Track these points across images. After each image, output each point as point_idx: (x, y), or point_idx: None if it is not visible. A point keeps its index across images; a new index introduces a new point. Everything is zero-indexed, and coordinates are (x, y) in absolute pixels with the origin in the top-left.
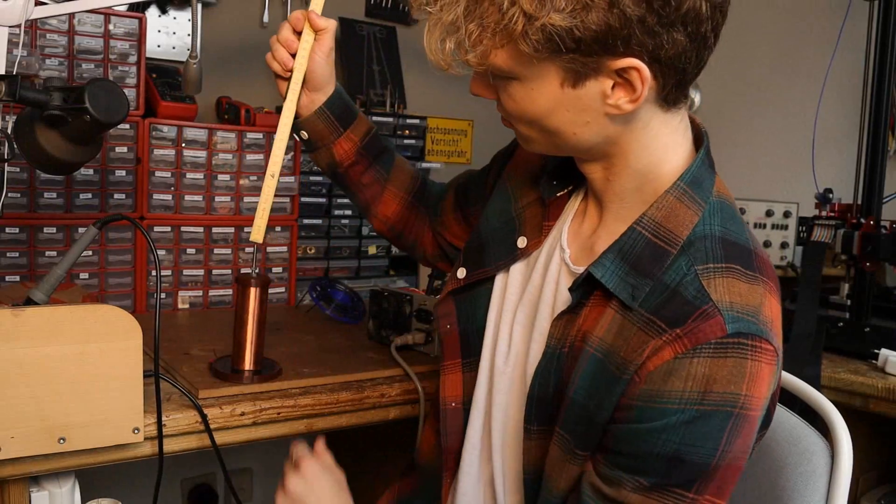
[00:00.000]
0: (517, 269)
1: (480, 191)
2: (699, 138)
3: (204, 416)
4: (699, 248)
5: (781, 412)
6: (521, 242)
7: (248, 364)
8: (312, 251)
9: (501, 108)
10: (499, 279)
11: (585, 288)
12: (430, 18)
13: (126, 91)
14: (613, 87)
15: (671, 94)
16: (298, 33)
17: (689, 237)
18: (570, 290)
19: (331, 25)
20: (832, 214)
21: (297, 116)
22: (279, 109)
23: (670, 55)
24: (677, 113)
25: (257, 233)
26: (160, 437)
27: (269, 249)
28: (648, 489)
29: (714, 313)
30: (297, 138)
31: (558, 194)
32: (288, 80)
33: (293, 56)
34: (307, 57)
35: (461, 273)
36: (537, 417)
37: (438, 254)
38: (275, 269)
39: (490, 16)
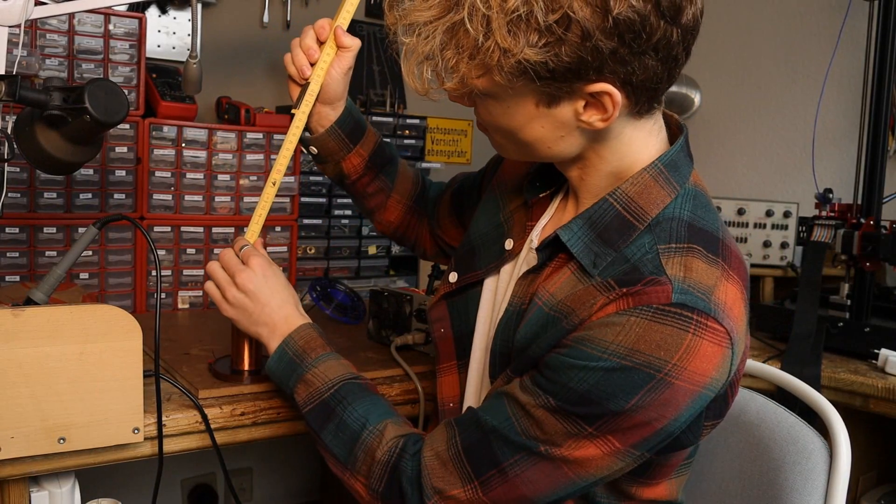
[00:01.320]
0: (506, 270)
1: (474, 195)
2: (678, 131)
3: (205, 416)
4: (665, 227)
5: (780, 412)
6: (509, 244)
7: (247, 364)
8: (312, 251)
9: (478, 117)
10: (489, 282)
11: (552, 249)
12: (407, 46)
13: (126, 91)
14: (586, 106)
15: (643, 107)
16: (321, 43)
17: (657, 216)
18: (537, 249)
19: (355, 45)
20: (832, 214)
21: (306, 129)
22: (279, 109)
23: (642, 79)
24: (650, 118)
25: (251, 235)
26: (160, 437)
27: (269, 249)
28: (554, 410)
29: (664, 282)
30: (305, 151)
31: (541, 195)
32: (302, 87)
33: (312, 65)
34: (325, 70)
35: (453, 277)
36: (499, 372)
37: (437, 252)
38: None
39: (466, 46)
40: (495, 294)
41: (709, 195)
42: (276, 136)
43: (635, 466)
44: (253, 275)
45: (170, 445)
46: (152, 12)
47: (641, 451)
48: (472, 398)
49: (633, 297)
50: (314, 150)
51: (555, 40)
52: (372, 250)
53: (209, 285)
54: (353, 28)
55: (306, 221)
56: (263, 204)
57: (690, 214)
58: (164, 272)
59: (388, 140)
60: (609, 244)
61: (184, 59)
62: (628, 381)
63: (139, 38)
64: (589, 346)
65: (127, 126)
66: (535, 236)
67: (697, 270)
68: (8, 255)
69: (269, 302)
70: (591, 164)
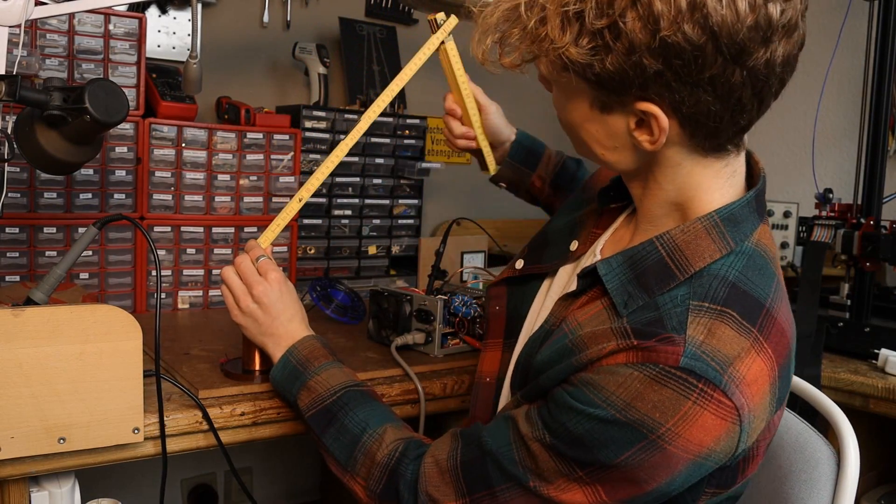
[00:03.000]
0: (565, 270)
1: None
2: (757, 181)
3: (206, 415)
4: (704, 284)
5: (789, 417)
6: (573, 246)
7: (258, 364)
8: (312, 251)
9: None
10: (547, 280)
11: (592, 279)
12: (483, 14)
13: (126, 91)
14: (637, 124)
15: (706, 143)
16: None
17: (701, 270)
18: (579, 276)
19: (489, 104)
20: (832, 214)
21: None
22: (279, 109)
23: (693, 111)
24: (721, 159)
25: (265, 241)
26: (163, 436)
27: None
28: (549, 447)
29: (678, 343)
30: (499, 187)
31: (612, 206)
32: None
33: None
34: (481, 128)
35: (519, 264)
36: (518, 384)
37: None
38: None
39: (523, 27)
40: (545, 296)
41: (772, 257)
42: (277, 137)
43: None
44: (270, 289)
45: (170, 445)
46: (152, 12)
47: None
48: (509, 380)
49: (643, 353)
50: (503, 185)
51: (602, 46)
52: (372, 250)
53: (224, 289)
54: (353, 28)
55: (306, 221)
56: (284, 216)
57: (738, 275)
58: (164, 272)
59: (569, 159)
60: (644, 289)
61: (184, 59)
62: (621, 436)
63: (139, 38)
64: (591, 391)
65: (127, 126)
66: (598, 249)
67: (721, 338)
68: (8, 255)
69: (279, 315)
70: (650, 187)
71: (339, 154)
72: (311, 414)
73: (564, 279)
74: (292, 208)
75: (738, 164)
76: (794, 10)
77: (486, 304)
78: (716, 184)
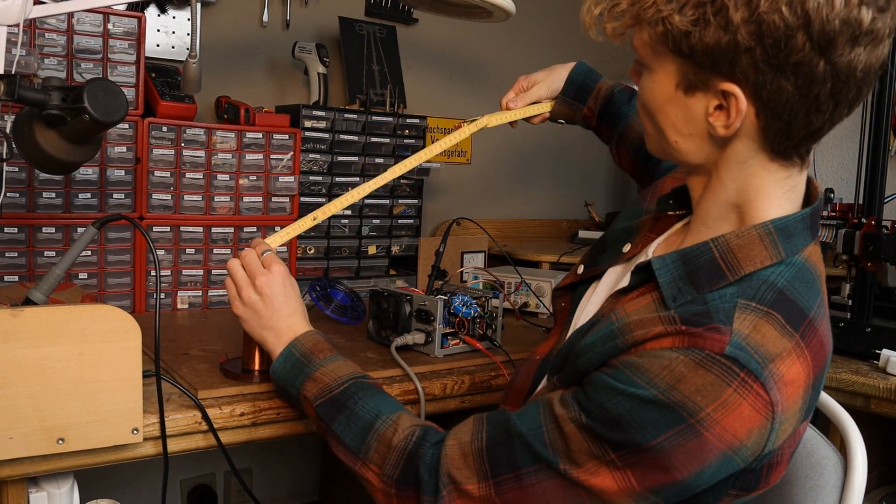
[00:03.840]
0: (614, 271)
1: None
2: (813, 202)
3: (206, 416)
4: (754, 285)
5: None
6: (626, 248)
7: (257, 364)
8: (312, 251)
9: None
10: (595, 281)
11: (644, 276)
12: None
13: (125, 91)
14: (716, 108)
15: (776, 142)
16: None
17: (751, 273)
18: (633, 272)
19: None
20: (833, 214)
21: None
22: (278, 109)
23: (772, 98)
24: (785, 168)
25: (272, 243)
26: (164, 437)
27: None
28: (584, 427)
29: (724, 333)
30: (558, 123)
31: (669, 213)
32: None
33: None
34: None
35: (580, 270)
36: (556, 369)
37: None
38: None
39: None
40: (592, 294)
41: (818, 275)
42: (276, 136)
43: None
44: (273, 280)
45: (169, 446)
46: (151, 11)
47: (658, 499)
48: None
49: (689, 338)
50: (561, 121)
51: (702, 18)
52: (372, 250)
53: (227, 281)
54: (353, 28)
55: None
56: (296, 227)
57: (786, 283)
58: (163, 272)
59: (621, 91)
60: (694, 285)
61: (183, 59)
62: (660, 418)
63: (138, 37)
64: (633, 372)
65: (126, 126)
66: (651, 251)
67: (765, 335)
68: (7, 255)
69: (280, 308)
70: (712, 185)
71: (362, 191)
72: (319, 403)
73: (613, 279)
74: (305, 224)
75: (799, 180)
76: (885, 23)
77: (553, 300)
78: (775, 193)
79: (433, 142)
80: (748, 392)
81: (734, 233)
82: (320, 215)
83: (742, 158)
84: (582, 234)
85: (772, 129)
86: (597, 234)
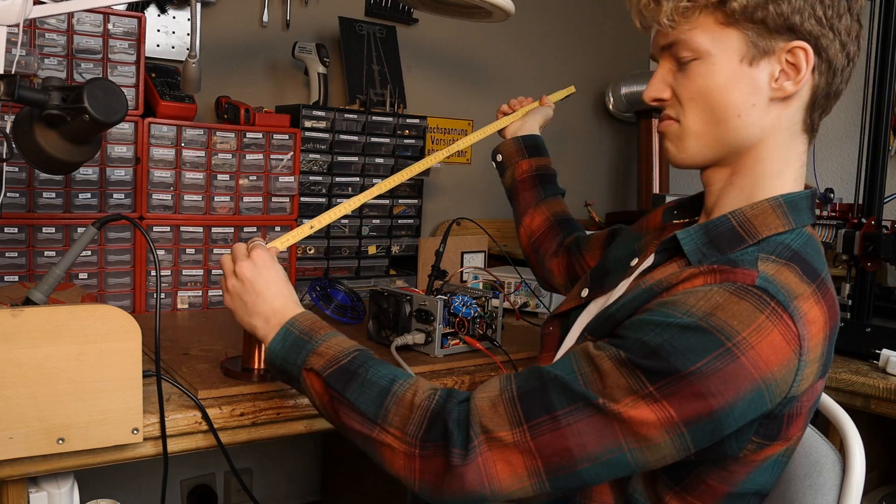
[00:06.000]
0: (624, 283)
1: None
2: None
3: (206, 416)
4: (772, 245)
5: None
6: (633, 262)
7: (258, 363)
8: (312, 251)
9: (674, 103)
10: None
11: (667, 253)
12: None
13: (125, 91)
14: (780, 73)
15: (814, 110)
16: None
17: (767, 237)
18: (657, 251)
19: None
20: (833, 214)
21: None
22: (278, 109)
23: (827, 51)
24: (805, 143)
25: (277, 245)
26: (164, 437)
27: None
28: (622, 363)
29: (753, 270)
30: (493, 162)
31: (675, 221)
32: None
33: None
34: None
35: (584, 293)
36: (594, 329)
37: (564, 273)
38: None
39: None
40: (607, 300)
41: (821, 250)
42: (276, 136)
43: (677, 462)
44: (251, 264)
45: (169, 446)
46: (151, 12)
47: (691, 438)
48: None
49: (720, 274)
50: (500, 157)
51: None
52: (372, 250)
53: (222, 276)
54: (353, 28)
55: (306, 221)
56: (295, 234)
57: (799, 247)
58: (163, 272)
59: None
60: (718, 249)
61: (183, 59)
62: (699, 342)
63: (138, 37)
64: (670, 307)
65: (126, 126)
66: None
67: (787, 278)
68: (7, 255)
69: (263, 292)
70: (740, 171)
71: (364, 196)
72: (329, 373)
73: (619, 291)
74: (303, 232)
75: (805, 158)
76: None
77: (543, 329)
78: (789, 171)
79: (433, 142)
80: (778, 320)
81: (748, 206)
82: (317, 224)
83: (789, 124)
84: None
85: (821, 87)
86: None
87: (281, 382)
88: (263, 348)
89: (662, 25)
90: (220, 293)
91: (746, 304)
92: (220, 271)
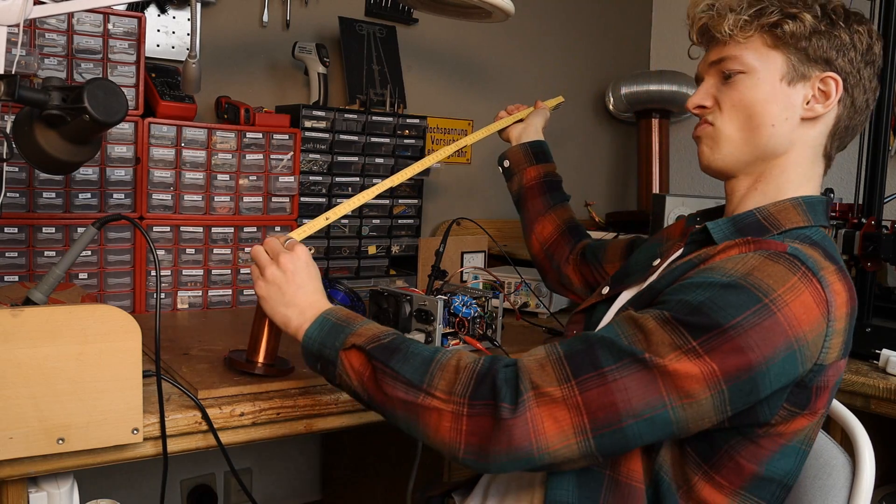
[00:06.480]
0: (652, 277)
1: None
2: None
3: (206, 416)
4: (794, 235)
5: None
6: (655, 262)
7: (261, 357)
8: (312, 251)
9: (714, 111)
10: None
11: (696, 245)
12: None
13: (125, 91)
14: (812, 97)
15: (834, 139)
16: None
17: (789, 229)
18: (687, 243)
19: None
20: (833, 214)
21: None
22: (278, 109)
23: (855, 87)
24: (823, 167)
25: (295, 235)
26: (164, 437)
27: None
28: (665, 321)
29: (783, 241)
30: (500, 167)
31: (697, 227)
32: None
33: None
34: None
35: (605, 290)
36: (634, 303)
37: (581, 279)
38: None
39: (763, 11)
40: (616, 306)
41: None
42: (276, 136)
43: (708, 438)
44: (297, 258)
45: (169, 446)
46: (151, 12)
47: (730, 396)
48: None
49: (754, 244)
50: (507, 162)
51: (826, 20)
52: (372, 250)
53: (252, 266)
54: (353, 28)
55: (306, 221)
56: (312, 226)
57: (819, 239)
58: (163, 272)
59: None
60: (745, 237)
61: (183, 59)
62: (738, 299)
63: (138, 37)
64: (710, 272)
65: (126, 126)
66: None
67: (814, 254)
68: (7, 255)
69: (304, 285)
70: (765, 178)
71: (375, 190)
72: (372, 346)
73: (635, 292)
74: (318, 223)
75: (821, 183)
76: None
77: (566, 331)
78: (808, 186)
79: (433, 142)
80: (809, 283)
81: (771, 203)
82: (332, 216)
83: (813, 143)
84: None
85: (843, 118)
86: (597, 235)
87: (280, 381)
88: (300, 335)
89: (722, 34)
90: (221, 293)
91: (780, 266)
92: (220, 271)
